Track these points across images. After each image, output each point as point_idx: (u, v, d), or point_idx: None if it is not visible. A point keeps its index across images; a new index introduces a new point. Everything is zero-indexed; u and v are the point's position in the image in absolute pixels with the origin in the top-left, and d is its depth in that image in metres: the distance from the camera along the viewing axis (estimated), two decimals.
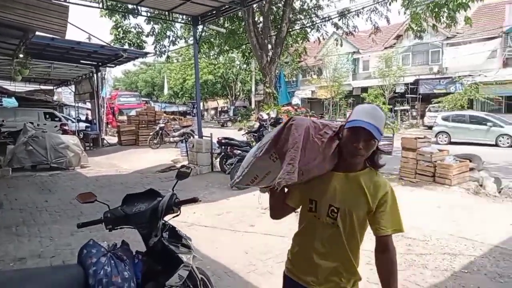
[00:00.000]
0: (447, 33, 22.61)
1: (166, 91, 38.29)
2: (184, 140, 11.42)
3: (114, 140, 17.07)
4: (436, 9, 12.15)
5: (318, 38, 18.13)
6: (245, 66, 28.65)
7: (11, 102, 22.33)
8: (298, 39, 18.42)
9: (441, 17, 12.46)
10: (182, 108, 42.99)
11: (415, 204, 5.75)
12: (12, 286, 1.68)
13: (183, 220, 4.66)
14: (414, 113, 25.14)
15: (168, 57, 17.22)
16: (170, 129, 15.54)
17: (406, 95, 24.85)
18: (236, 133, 13.47)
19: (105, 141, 16.17)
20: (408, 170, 7.69)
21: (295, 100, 29.36)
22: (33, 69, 12.85)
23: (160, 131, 14.94)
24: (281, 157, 1.53)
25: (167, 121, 16.05)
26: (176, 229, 2.33)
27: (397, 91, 24.59)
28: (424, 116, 23.44)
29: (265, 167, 1.59)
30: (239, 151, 7.95)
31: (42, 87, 21.63)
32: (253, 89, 34.13)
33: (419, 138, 7.86)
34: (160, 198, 2.24)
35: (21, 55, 10.85)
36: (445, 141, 16.12)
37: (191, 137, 12.61)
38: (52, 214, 5.76)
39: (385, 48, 26.12)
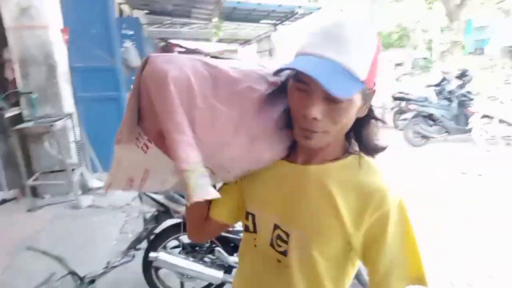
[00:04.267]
0: None
1: None
2: None
3: None
4: None
5: None
6: (428, 11, 25.51)
7: None
8: None
9: None
10: None
11: None
12: None
13: None
14: None
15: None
16: None
17: None
18: (413, 88, 12.52)
19: None
20: None
21: (489, 50, 24.65)
22: (223, 31, 14.75)
23: None
24: (159, 141, 0.77)
25: None
26: None
27: None
28: None
29: (136, 161, 0.85)
30: (415, 106, 7.50)
31: (229, 47, 24.60)
32: (435, 38, 30.32)
33: None
34: None
35: (215, 19, 12.63)
36: None
37: None
38: None
39: None
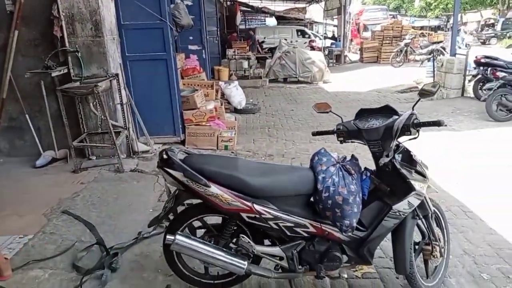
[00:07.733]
0: None
1: (417, 2, 34.26)
2: (432, 59, 10.11)
3: (356, 57, 17.06)
4: None
5: None
6: None
7: (272, 22, 25.42)
8: None
9: None
10: (433, 22, 37.83)
11: None
12: (268, 174, 1.96)
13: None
14: None
15: None
16: (417, 45, 14.14)
17: None
18: (503, 52, 10.89)
19: (347, 58, 16.37)
20: None
21: None
22: None
23: (405, 48, 13.83)
24: None
25: (414, 37, 14.59)
26: (411, 153, 2.09)
27: None
28: None
29: None
30: (503, 74, 6.39)
31: (297, 5, 23.36)
32: None
33: None
34: (397, 117, 2.01)
35: None
36: None
37: (441, 55, 11.09)
38: (296, 122, 6.44)
39: None
